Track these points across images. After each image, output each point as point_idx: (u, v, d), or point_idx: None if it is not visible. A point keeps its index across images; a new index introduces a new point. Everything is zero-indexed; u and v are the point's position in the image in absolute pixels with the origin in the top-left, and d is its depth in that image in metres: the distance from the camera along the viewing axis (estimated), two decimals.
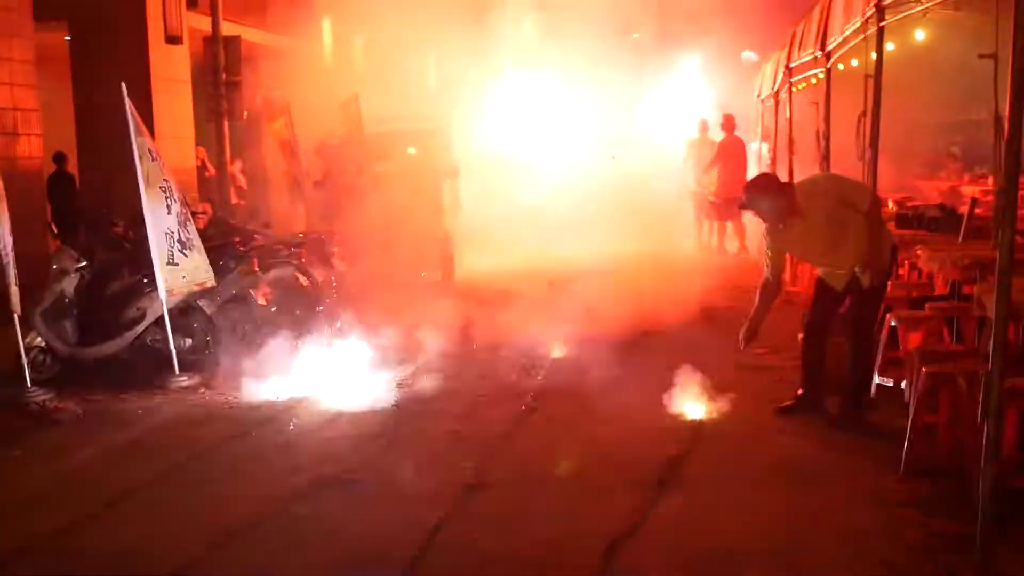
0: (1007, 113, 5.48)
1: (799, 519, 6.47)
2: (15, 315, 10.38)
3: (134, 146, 10.82)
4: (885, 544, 6.01)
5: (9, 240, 10.34)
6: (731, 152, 20.15)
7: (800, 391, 8.76)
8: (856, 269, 8.35)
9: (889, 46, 22.93)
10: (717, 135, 20.97)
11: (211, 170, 20.89)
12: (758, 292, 8.72)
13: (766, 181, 8.90)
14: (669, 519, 6.55)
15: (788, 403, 8.75)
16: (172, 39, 18.14)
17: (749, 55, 27.94)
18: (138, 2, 17.64)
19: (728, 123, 20.56)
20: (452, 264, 17.20)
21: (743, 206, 8.81)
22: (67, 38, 18.72)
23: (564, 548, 6.14)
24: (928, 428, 7.53)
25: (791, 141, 16.56)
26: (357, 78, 22.78)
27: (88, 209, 16.81)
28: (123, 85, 11.04)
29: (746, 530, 6.31)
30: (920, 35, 19.94)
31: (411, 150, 19.07)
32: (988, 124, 10.58)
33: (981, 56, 9.34)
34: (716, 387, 9.09)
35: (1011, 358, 7.57)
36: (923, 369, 7.24)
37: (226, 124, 19.29)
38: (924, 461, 7.17)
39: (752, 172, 18.46)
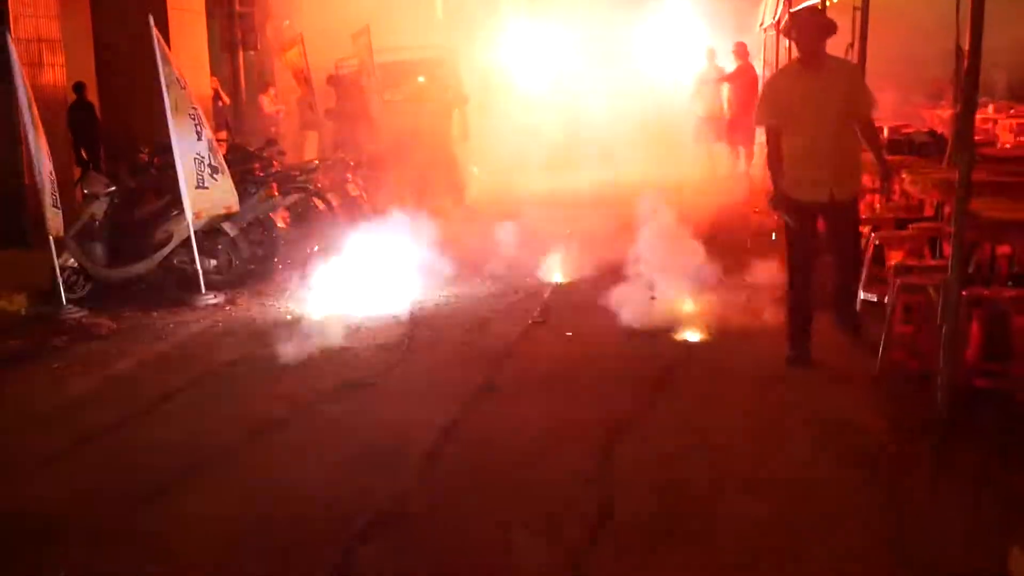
0: (967, 45, 6.08)
1: (776, 411, 7.16)
2: (51, 237, 11.03)
3: (161, 75, 11.35)
4: (856, 433, 6.66)
5: (48, 164, 10.97)
6: (746, 79, 20.36)
7: (791, 351, 8.31)
8: (843, 174, 8.04)
9: None
10: (728, 65, 21.21)
11: (225, 99, 21.41)
12: (768, 153, 8.36)
13: (825, 16, 8.78)
14: (660, 414, 7.23)
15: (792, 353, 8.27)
16: None
17: None
18: None
19: (741, 50, 20.70)
20: (462, 189, 17.74)
21: (797, 20, 8.52)
22: None
23: (565, 438, 6.82)
24: (903, 336, 8.14)
25: None
26: (365, 7, 23.20)
27: (110, 137, 17.39)
28: (150, 17, 11.57)
29: (728, 424, 6.97)
30: None
31: (420, 79, 19.56)
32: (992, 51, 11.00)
33: None
34: (707, 302, 9.70)
35: (985, 275, 8.28)
36: (898, 281, 7.87)
37: (240, 54, 19.78)
38: (898, 365, 7.80)
39: None
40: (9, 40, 11.48)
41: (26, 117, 11.11)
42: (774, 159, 8.18)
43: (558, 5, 22.67)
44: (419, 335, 9.61)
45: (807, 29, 8.09)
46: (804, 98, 8.01)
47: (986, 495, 5.71)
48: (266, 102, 22.83)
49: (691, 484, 6.02)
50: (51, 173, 11.08)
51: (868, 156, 8.43)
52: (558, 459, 6.51)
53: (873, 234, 9.67)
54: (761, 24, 22.57)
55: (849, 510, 5.60)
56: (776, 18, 18.92)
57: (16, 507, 6.18)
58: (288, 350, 9.02)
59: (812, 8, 9.13)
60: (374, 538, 5.48)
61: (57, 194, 11.12)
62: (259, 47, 20.55)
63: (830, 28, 8.12)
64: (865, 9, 10.29)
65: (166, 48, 11.61)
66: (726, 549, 5.23)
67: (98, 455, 7.00)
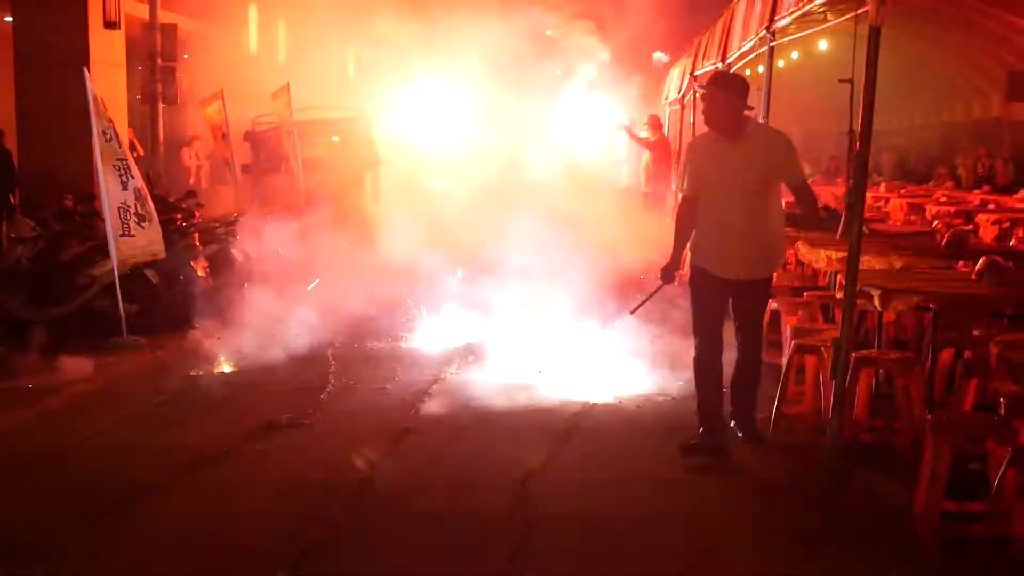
0: (859, 128, 6.77)
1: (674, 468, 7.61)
2: None
3: (94, 126, 11.67)
4: (752, 478, 7.26)
5: None
6: (662, 151, 20.80)
7: (701, 429, 7.80)
8: (755, 252, 7.61)
9: (794, 55, 24.34)
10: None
11: (140, 150, 21.67)
12: (675, 217, 8.08)
13: (737, 79, 7.87)
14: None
15: (693, 441, 7.73)
16: (110, 24, 18.86)
17: (660, 56, 28.94)
18: None
19: (654, 122, 21.14)
20: (374, 246, 18.13)
21: (701, 85, 7.98)
22: (8, 19, 19.42)
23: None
24: (796, 395, 8.76)
25: None
26: (281, 68, 23.63)
27: (25, 184, 17.58)
28: (86, 70, 11.96)
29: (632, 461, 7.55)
30: (823, 45, 21.38)
31: (335, 138, 20.04)
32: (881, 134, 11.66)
33: (841, 80, 10.51)
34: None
35: (872, 340, 8.93)
36: (793, 342, 8.50)
37: (160, 107, 20.12)
38: (791, 422, 8.39)
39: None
40: None
41: None
42: (680, 227, 7.85)
43: (464, 75, 22.96)
44: (337, 380, 10.03)
45: (715, 112, 7.59)
46: (718, 169, 7.56)
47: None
48: (187, 155, 23.17)
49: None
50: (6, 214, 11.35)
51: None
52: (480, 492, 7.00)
53: (770, 300, 10.30)
54: (666, 98, 23.48)
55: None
56: (680, 93, 19.79)
57: None
58: (214, 390, 9.36)
59: (720, 75, 8.49)
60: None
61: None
62: (178, 101, 20.87)
63: (737, 88, 7.53)
64: (767, 90, 11.01)
65: (101, 101, 11.92)
66: None
67: (28, 487, 7.31)
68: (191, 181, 21.85)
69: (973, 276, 7.87)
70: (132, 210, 11.84)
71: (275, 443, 8.14)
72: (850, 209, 7.79)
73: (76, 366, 10.52)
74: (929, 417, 6.76)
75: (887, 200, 19.45)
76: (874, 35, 6.65)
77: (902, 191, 20.31)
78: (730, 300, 7.81)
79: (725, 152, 7.54)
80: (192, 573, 5.91)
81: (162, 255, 12.18)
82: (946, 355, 8.28)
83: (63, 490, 7.19)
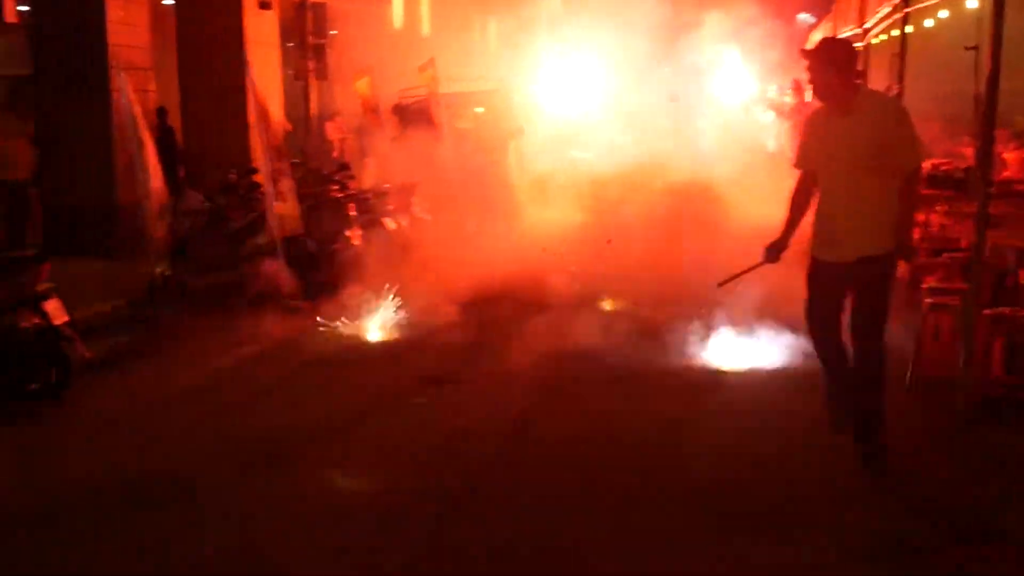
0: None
1: (801, 421, 7.87)
2: (152, 248, 12.14)
3: (251, 107, 12.41)
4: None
5: (154, 182, 12.09)
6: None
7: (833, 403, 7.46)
8: (863, 232, 6.96)
9: (943, 13, 23.83)
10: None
11: (287, 126, 22.50)
12: (790, 196, 7.44)
13: (837, 46, 7.43)
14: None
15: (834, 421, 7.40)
16: (264, 4, 19.71)
17: (805, 17, 28.54)
18: None
19: (797, 87, 20.78)
20: (519, 217, 18.59)
21: (804, 57, 7.29)
22: (168, 2, 20.41)
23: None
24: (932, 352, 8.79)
25: None
26: (424, 41, 24.17)
27: (189, 159, 18.55)
28: (245, 53, 12.65)
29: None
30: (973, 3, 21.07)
31: (479, 109, 20.53)
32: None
33: (966, 48, 10.50)
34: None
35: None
36: (928, 300, 8.74)
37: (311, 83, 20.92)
38: (927, 378, 8.57)
39: None
40: (114, 69, 12.63)
41: (132, 138, 12.22)
42: (792, 204, 7.39)
43: (603, 46, 22.83)
44: (487, 340, 10.61)
45: (818, 87, 7.16)
46: (828, 143, 7.12)
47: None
48: (331, 129, 23.97)
49: None
50: (158, 190, 12.16)
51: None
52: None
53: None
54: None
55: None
56: None
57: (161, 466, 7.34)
58: (373, 349, 10.16)
59: (826, 39, 8.02)
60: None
61: (162, 209, 12.20)
62: (327, 77, 21.67)
63: (837, 59, 7.02)
64: (902, 56, 11.14)
65: (255, 83, 12.65)
66: None
67: (218, 430, 8.13)
68: (334, 155, 22.59)
69: None
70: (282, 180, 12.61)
71: (431, 397, 8.80)
72: (977, 169, 7.96)
73: (243, 328, 11.25)
74: None
75: None
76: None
77: None
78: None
79: (835, 125, 7.04)
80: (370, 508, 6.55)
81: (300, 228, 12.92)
82: None
83: (247, 434, 7.97)
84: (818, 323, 7.23)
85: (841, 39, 8.67)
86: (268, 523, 6.34)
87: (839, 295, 7.12)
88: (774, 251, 7.41)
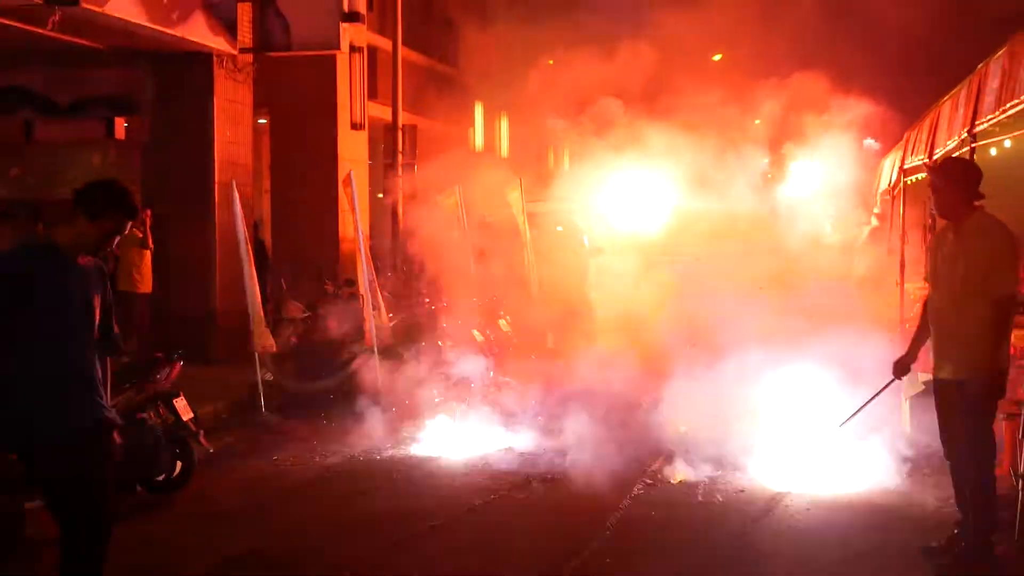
0: None
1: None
2: (256, 354, 12.91)
3: (358, 225, 13.34)
4: None
5: (258, 292, 12.93)
6: None
7: (956, 530, 7.42)
8: (955, 350, 7.13)
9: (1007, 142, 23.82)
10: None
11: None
12: (918, 313, 7.74)
13: (959, 166, 7.79)
14: None
15: (935, 544, 7.47)
16: (356, 126, 20.76)
17: (871, 143, 29.00)
18: (330, 93, 20.26)
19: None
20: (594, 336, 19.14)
21: (932, 170, 7.73)
22: (262, 121, 21.49)
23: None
24: None
25: (903, 233, 17.98)
26: (503, 161, 24.96)
27: (279, 271, 19.42)
28: (351, 173, 13.61)
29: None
30: None
31: (559, 228, 21.28)
32: None
33: None
34: None
35: None
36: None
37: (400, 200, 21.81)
38: None
39: None
40: (229, 186, 13.62)
41: (243, 252, 13.12)
42: (923, 321, 7.52)
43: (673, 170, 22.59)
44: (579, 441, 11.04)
45: (935, 179, 7.40)
46: (940, 260, 7.30)
47: None
48: (411, 245, 24.81)
49: None
50: (262, 299, 13.01)
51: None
52: None
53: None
54: (876, 188, 23.73)
55: None
56: (891, 183, 20.16)
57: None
58: (463, 452, 10.91)
59: (951, 159, 8.36)
60: None
61: (266, 318, 13.03)
62: (416, 196, 22.54)
63: (956, 177, 7.27)
64: None
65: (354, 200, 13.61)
66: None
67: (336, 518, 8.95)
68: (415, 269, 23.33)
69: None
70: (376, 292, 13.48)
71: (534, 493, 9.57)
72: None
73: (345, 430, 11.94)
74: None
75: None
76: None
77: None
78: None
79: (949, 244, 7.24)
80: None
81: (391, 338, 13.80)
82: None
83: (364, 524, 8.70)
84: (945, 445, 7.38)
85: (965, 160, 8.85)
86: None
87: (950, 410, 7.20)
88: (901, 366, 7.65)
